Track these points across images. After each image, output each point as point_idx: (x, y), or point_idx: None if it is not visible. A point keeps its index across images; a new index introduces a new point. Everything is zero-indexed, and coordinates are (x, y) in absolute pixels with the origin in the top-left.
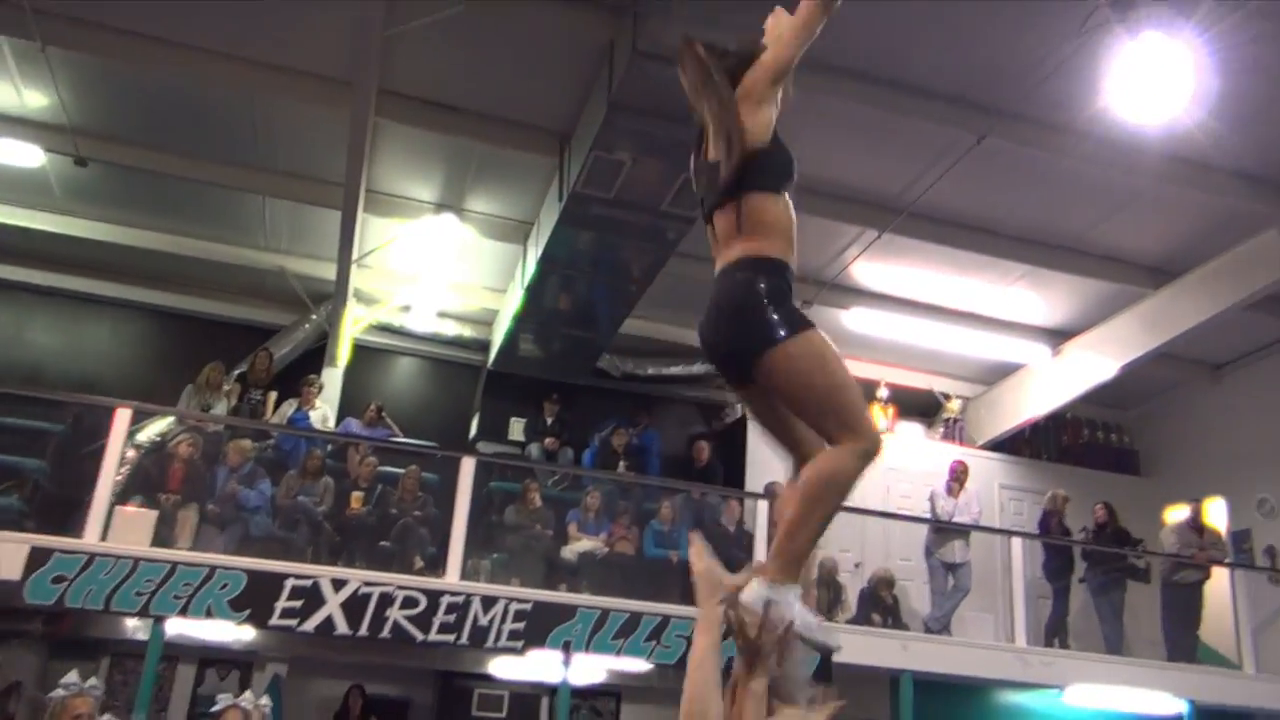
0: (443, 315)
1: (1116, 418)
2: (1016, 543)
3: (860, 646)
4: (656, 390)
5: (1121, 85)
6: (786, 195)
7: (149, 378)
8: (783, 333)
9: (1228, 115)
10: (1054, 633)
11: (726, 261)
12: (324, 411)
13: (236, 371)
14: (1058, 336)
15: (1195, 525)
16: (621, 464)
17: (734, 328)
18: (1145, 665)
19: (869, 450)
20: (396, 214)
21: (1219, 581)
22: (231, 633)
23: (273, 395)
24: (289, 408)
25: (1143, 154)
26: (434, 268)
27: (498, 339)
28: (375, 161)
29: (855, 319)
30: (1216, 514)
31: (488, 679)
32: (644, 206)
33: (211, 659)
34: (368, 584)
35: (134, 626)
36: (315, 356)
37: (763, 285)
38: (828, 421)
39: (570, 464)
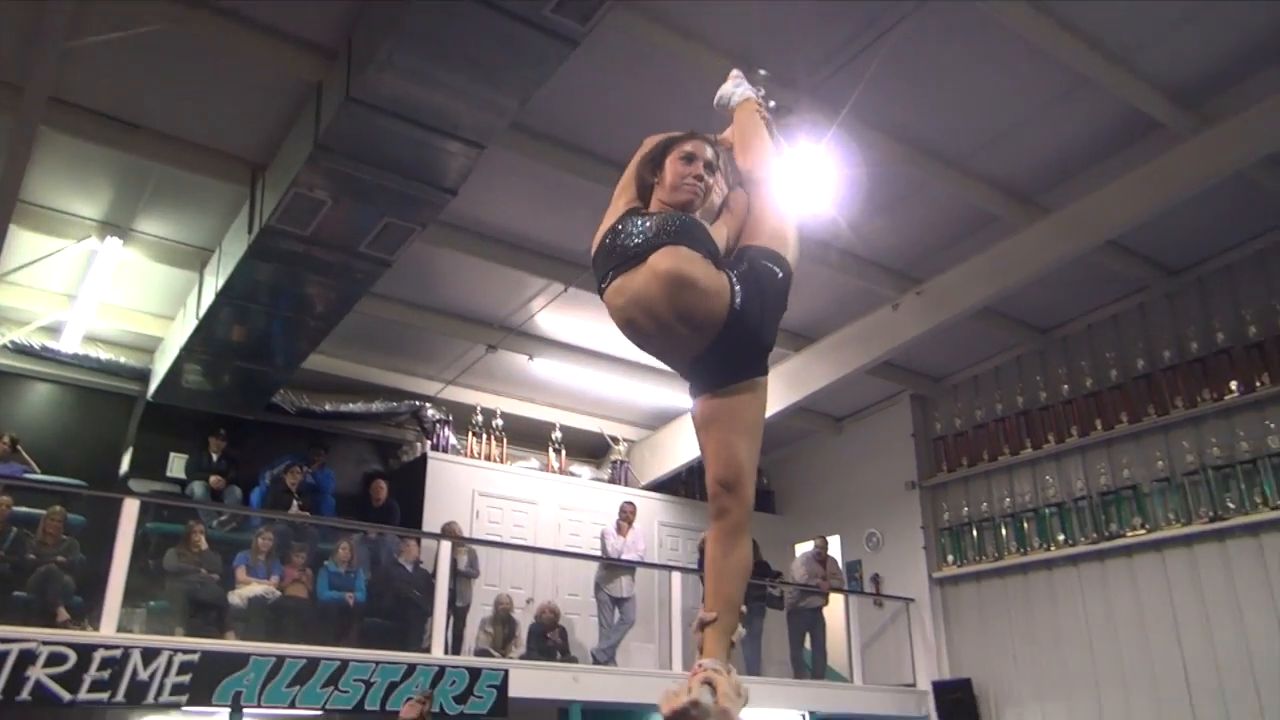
0: (92, 340)
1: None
2: (676, 577)
3: (533, 680)
4: (332, 427)
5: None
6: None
7: None
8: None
9: (862, 210)
10: None
11: (752, 243)
12: None
13: None
14: None
15: (819, 558)
16: (295, 503)
17: (775, 327)
18: (775, 683)
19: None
20: (52, 229)
21: (833, 606)
22: None
23: None
24: None
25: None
26: (89, 289)
27: (160, 369)
28: (34, 172)
29: (537, 365)
30: (834, 548)
31: None
32: (340, 246)
33: None
34: (4, 640)
35: None
36: None
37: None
38: (743, 471)
39: (238, 504)
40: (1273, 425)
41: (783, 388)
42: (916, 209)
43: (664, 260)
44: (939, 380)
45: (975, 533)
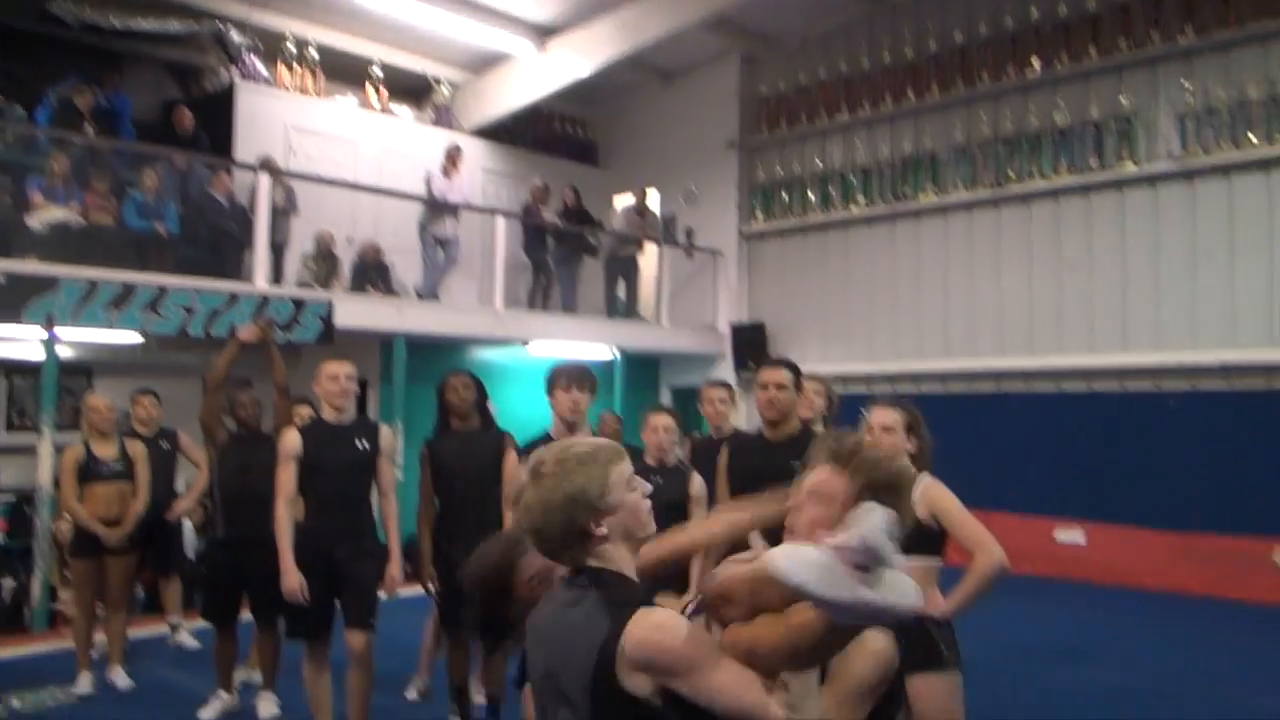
0: None
1: (582, 113)
2: (500, 221)
3: (358, 311)
4: (123, 47)
5: None
6: None
7: None
8: None
9: None
10: (533, 300)
11: None
12: None
13: None
14: (543, 33)
15: (639, 210)
16: (89, 128)
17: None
18: (590, 321)
19: None
20: None
21: (648, 256)
22: None
23: None
24: None
25: None
26: None
27: None
28: None
29: None
30: (653, 201)
31: None
32: None
33: None
34: None
35: None
36: None
37: None
38: None
39: (22, 123)
40: (1062, 103)
41: (613, 36)
42: None
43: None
44: (769, 40)
45: (785, 193)
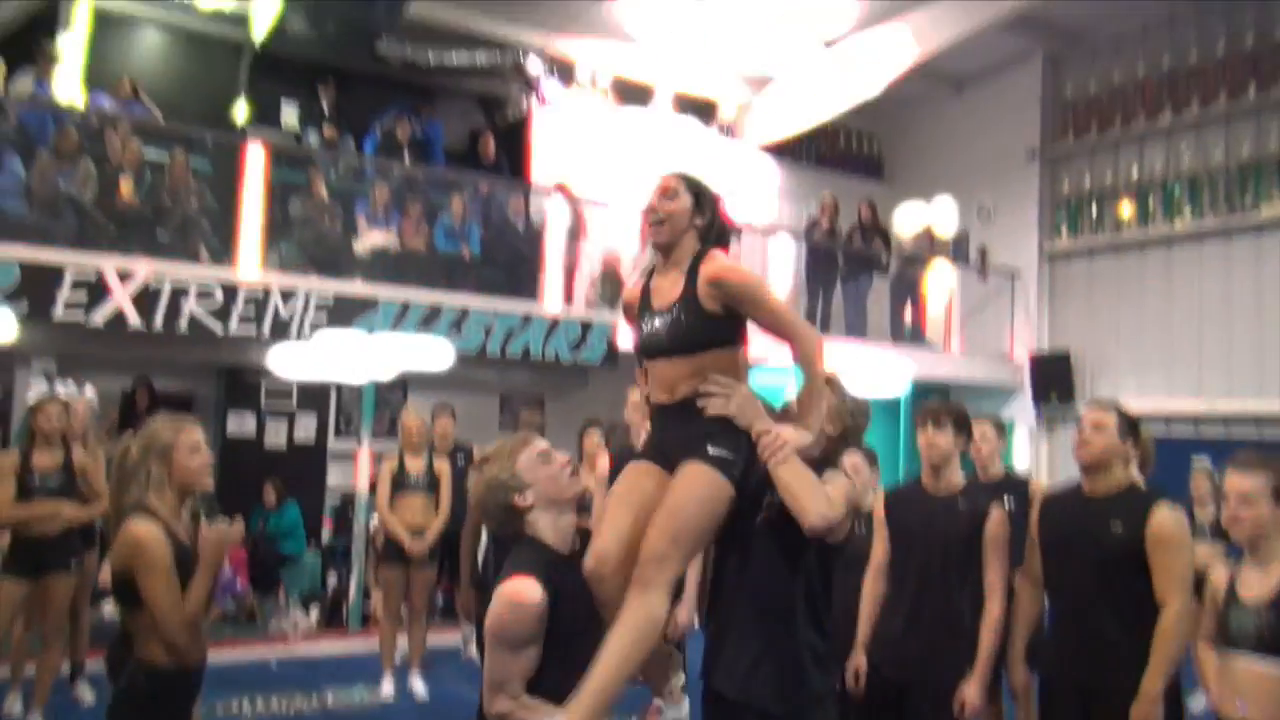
0: None
1: (867, 126)
2: (783, 239)
3: None
4: (437, 82)
5: None
6: None
7: None
8: None
9: None
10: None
11: None
12: (69, 85)
13: None
14: (831, 46)
15: (926, 227)
16: (406, 156)
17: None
18: (875, 345)
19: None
20: None
21: (938, 275)
22: None
23: None
24: (26, 82)
25: None
26: None
27: (265, 13)
28: None
29: (646, 18)
30: (944, 217)
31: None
32: None
33: None
34: (158, 276)
35: None
36: (43, 25)
37: None
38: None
39: (352, 154)
40: None
41: (904, 43)
42: None
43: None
44: (1077, 37)
45: (1095, 206)
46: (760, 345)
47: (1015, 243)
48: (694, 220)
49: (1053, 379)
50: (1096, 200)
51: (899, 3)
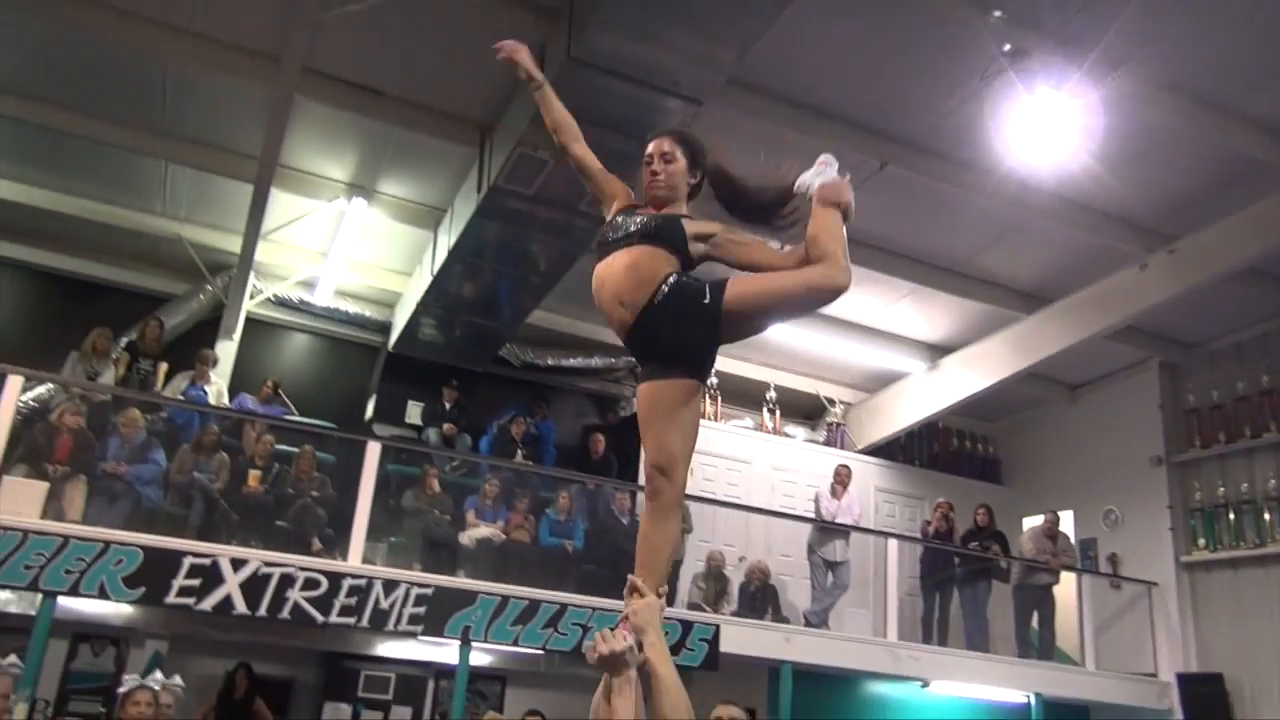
0: (342, 294)
1: (983, 429)
2: (893, 544)
3: (744, 637)
4: (554, 381)
5: (1016, 128)
6: None
7: (27, 340)
8: None
9: (1108, 161)
10: (930, 629)
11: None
12: (219, 386)
13: (124, 339)
14: (936, 351)
15: (1050, 533)
16: (519, 453)
17: (690, 340)
18: (999, 661)
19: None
20: (306, 191)
21: (1065, 585)
22: (108, 607)
23: (163, 366)
24: (182, 381)
25: (1029, 190)
26: (339, 246)
27: (400, 322)
28: (290, 137)
29: None
30: (1067, 524)
31: (375, 660)
32: (561, 204)
33: (86, 633)
34: (268, 564)
35: (4, 600)
36: (206, 329)
37: None
38: (675, 459)
39: (469, 450)
40: None
41: (1011, 351)
42: (1169, 158)
43: (625, 256)
44: (1192, 347)
45: (1233, 515)
46: None
47: (1147, 551)
48: (689, 179)
49: (1205, 703)
50: (1234, 509)
51: (1008, 312)
